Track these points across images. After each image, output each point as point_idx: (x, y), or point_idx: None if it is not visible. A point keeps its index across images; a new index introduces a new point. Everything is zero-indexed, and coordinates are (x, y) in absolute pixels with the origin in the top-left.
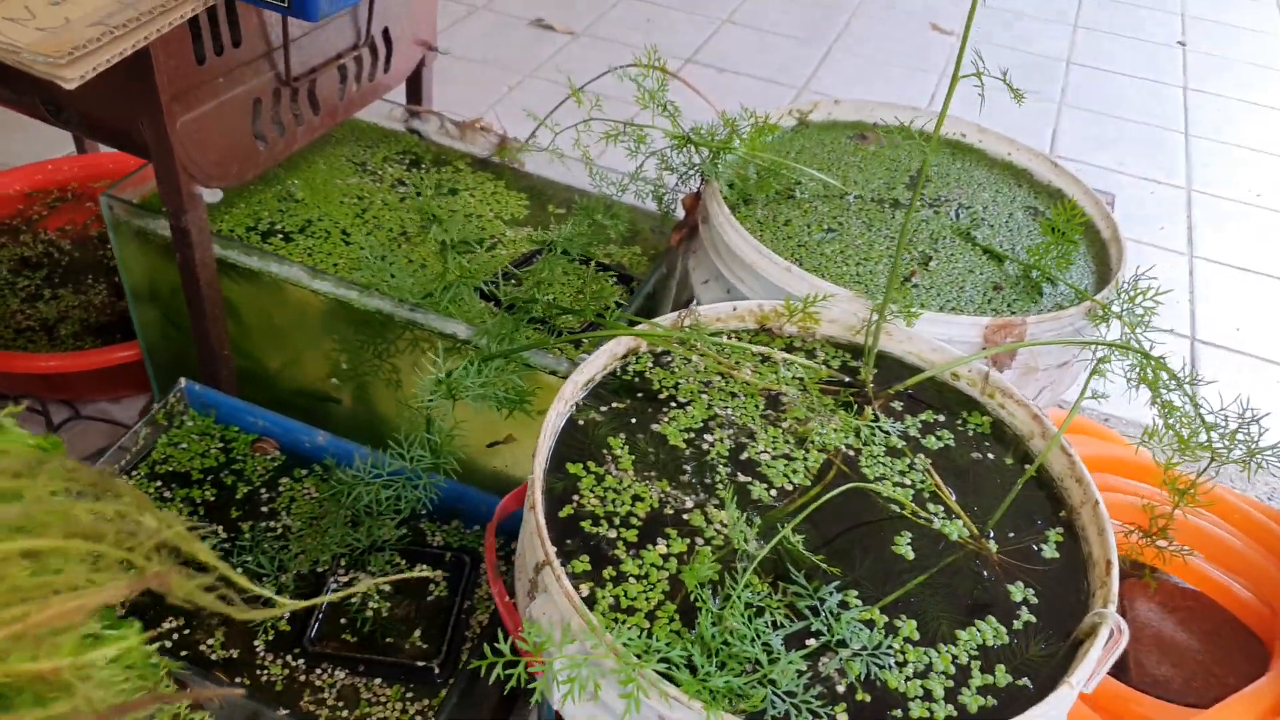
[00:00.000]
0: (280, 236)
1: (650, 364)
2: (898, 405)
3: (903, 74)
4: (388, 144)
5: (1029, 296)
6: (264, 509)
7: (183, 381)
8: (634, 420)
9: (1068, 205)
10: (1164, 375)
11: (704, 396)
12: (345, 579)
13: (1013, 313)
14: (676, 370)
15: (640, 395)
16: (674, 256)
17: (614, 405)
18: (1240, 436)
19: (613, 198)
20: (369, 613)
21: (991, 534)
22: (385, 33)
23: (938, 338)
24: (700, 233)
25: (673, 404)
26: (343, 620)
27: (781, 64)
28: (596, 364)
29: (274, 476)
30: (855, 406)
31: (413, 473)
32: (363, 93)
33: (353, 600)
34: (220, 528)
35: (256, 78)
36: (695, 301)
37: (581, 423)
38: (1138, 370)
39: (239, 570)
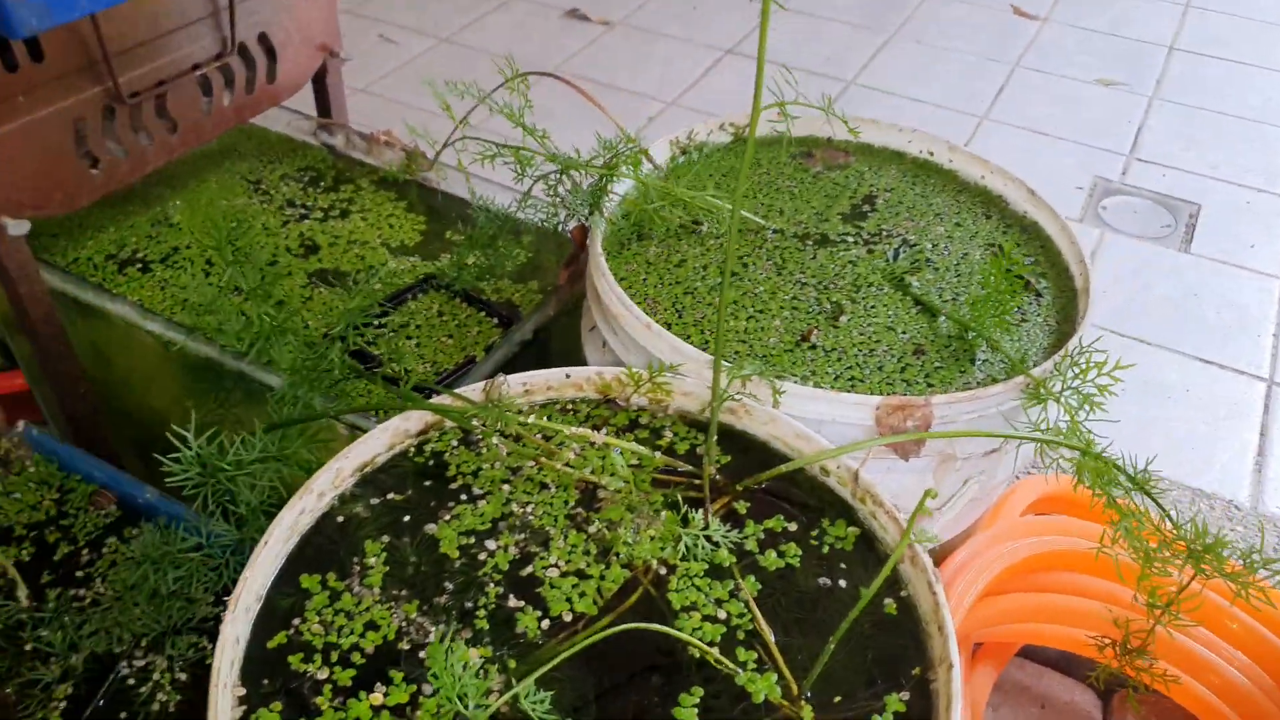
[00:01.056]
0: (139, 266)
1: (455, 444)
2: (744, 506)
3: (971, 65)
4: (293, 159)
5: (956, 365)
6: (79, 573)
7: (21, 424)
8: (408, 518)
9: (1008, 250)
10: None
11: (505, 488)
12: (141, 663)
13: (930, 385)
14: (484, 453)
15: (428, 484)
16: (565, 296)
17: (390, 497)
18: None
19: (519, 222)
20: (155, 705)
21: (810, 694)
22: (263, 39)
23: (823, 419)
24: (586, 269)
25: (464, 497)
26: (124, 714)
27: (832, 54)
28: (375, 445)
29: (102, 535)
30: (687, 507)
31: (211, 550)
32: (239, 106)
33: (140, 690)
34: (26, 594)
35: (75, 94)
36: (602, 346)
37: (341, 519)
38: (1085, 467)
39: (29, 648)
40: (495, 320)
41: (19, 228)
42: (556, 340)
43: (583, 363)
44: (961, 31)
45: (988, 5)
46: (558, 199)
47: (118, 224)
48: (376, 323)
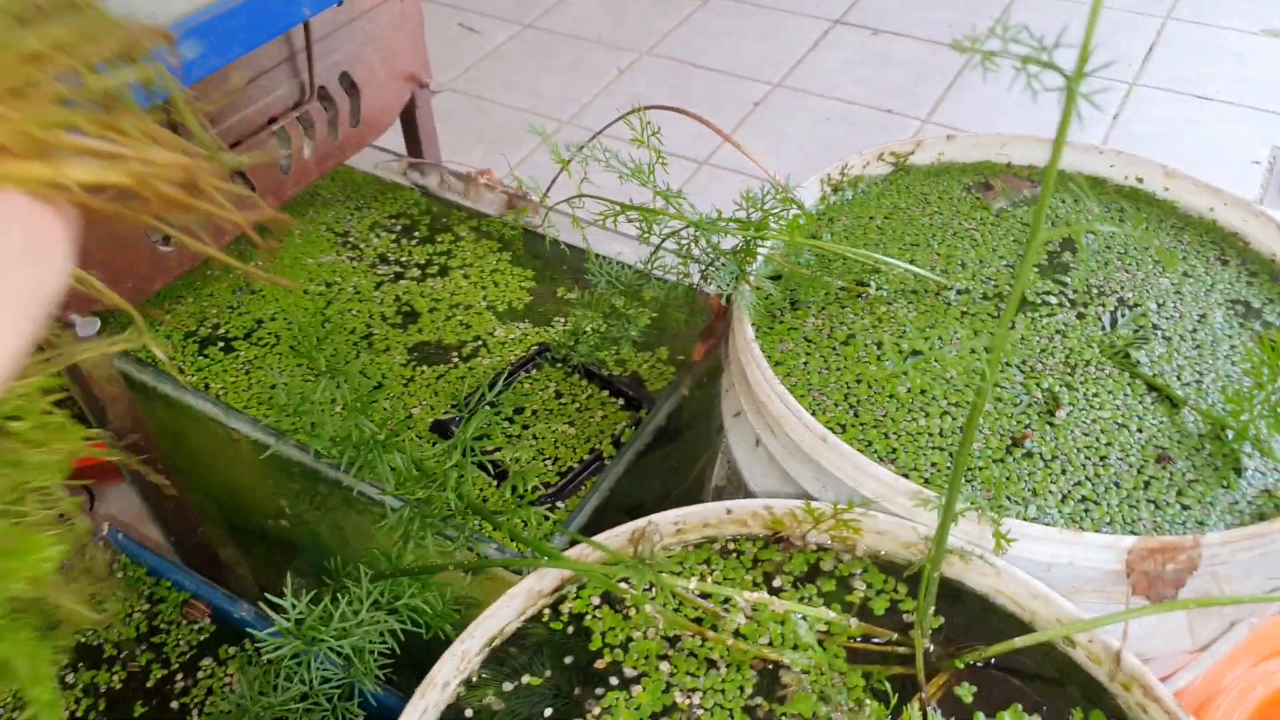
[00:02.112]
0: (220, 345)
1: (596, 602)
2: (969, 691)
3: (1116, 20)
4: (383, 203)
5: (1216, 476)
6: (175, 703)
7: (105, 527)
8: (549, 712)
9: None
10: None
11: (664, 667)
12: None
13: (1184, 508)
14: (633, 615)
15: (569, 661)
16: (701, 372)
17: (525, 681)
18: None
19: (643, 279)
20: None
21: None
22: (345, 78)
23: (1054, 562)
24: (728, 344)
25: (614, 680)
26: None
27: (955, 20)
28: (505, 614)
29: (197, 655)
30: (896, 695)
31: (317, 696)
32: (321, 156)
33: None
34: None
35: None
36: (722, 431)
37: (469, 714)
38: None
39: None
40: (621, 401)
41: (88, 327)
42: (685, 411)
43: (720, 459)
44: None
45: None
46: (691, 260)
47: (195, 291)
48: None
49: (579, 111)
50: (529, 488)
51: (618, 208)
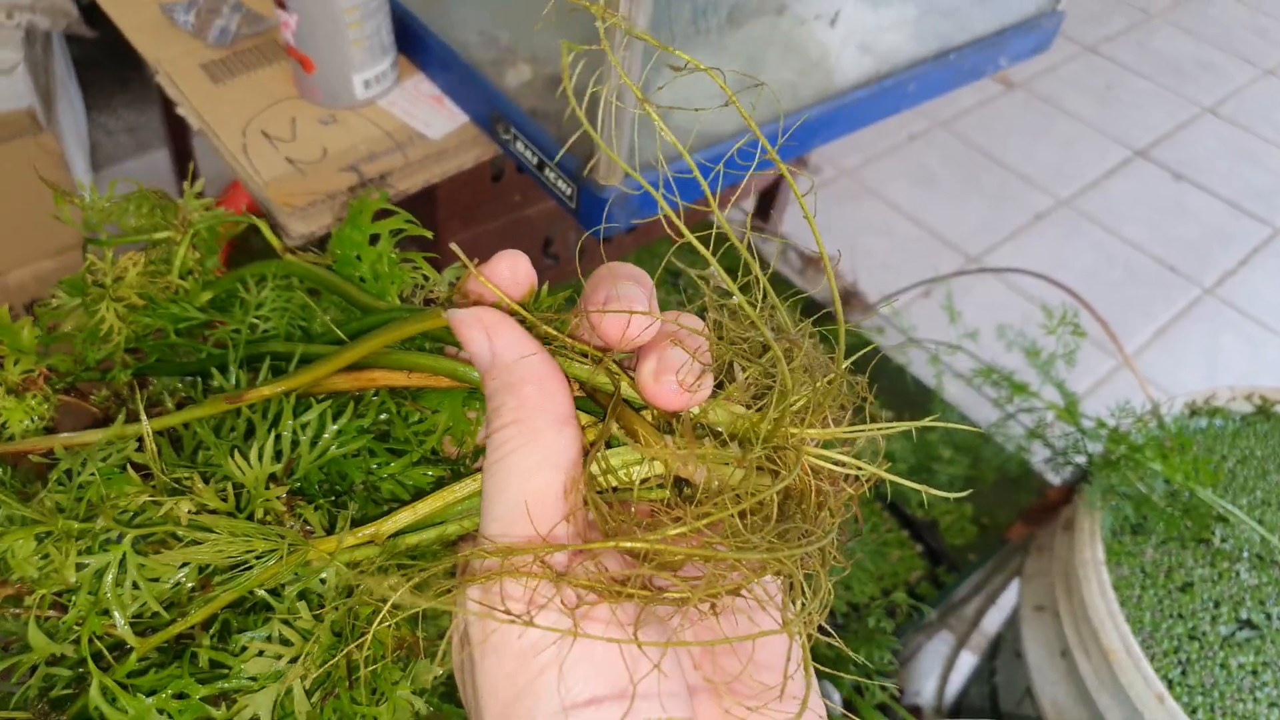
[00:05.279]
0: None
1: None
2: None
3: None
4: (717, 257)
5: None
6: None
7: None
8: None
9: None
10: None
11: None
12: None
13: None
14: None
15: None
16: (1010, 551)
17: None
18: None
19: (960, 422)
20: None
21: None
22: None
23: None
24: (1056, 539)
25: None
26: None
27: (1265, 187)
28: None
29: None
30: None
31: None
32: None
33: None
34: None
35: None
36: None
37: None
38: None
39: None
40: (919, 546)
41: None
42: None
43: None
44: None
45: None
46: (1042, 441)
47: None
48: None
49: (859, 165)
50: (873, 689)
51: (985, 367)
